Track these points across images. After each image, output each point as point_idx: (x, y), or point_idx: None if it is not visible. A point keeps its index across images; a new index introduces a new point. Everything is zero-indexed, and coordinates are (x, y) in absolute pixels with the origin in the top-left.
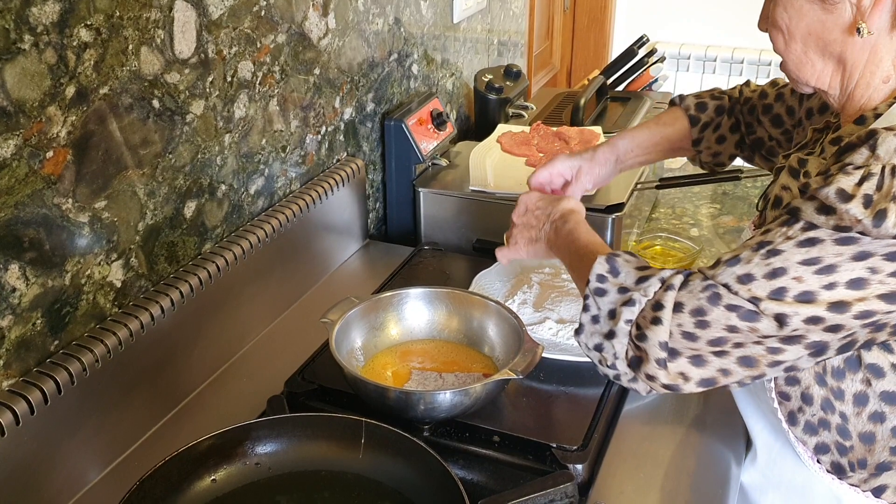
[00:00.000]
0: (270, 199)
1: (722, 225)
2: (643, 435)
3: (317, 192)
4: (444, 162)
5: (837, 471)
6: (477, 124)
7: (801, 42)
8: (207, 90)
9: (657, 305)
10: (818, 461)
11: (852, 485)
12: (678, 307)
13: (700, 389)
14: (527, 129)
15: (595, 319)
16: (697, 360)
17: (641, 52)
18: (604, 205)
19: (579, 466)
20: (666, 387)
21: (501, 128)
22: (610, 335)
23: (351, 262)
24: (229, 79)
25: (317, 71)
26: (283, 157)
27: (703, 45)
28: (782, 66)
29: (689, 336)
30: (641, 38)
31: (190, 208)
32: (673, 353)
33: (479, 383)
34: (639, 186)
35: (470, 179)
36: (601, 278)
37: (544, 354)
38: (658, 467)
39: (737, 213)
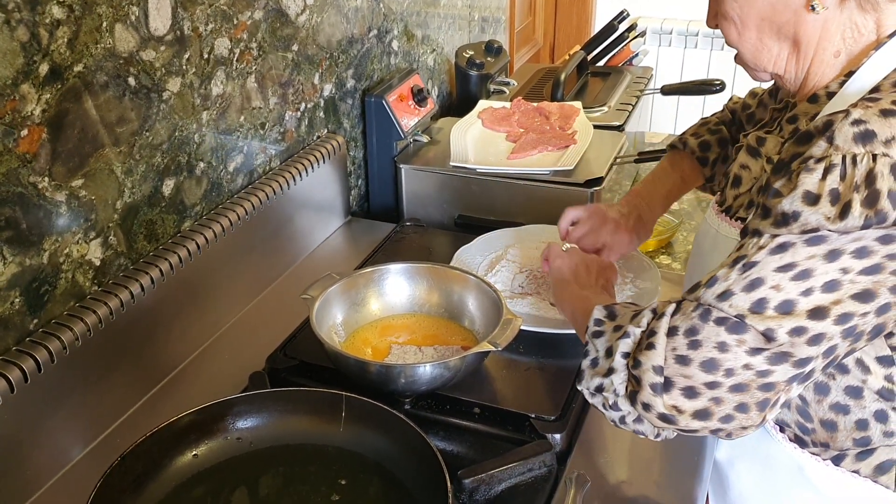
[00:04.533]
0: (250, 176)
1: (702, 198)
2: None
3: (297, 168)
4: (425, 138)
5: (799, 442)
6: (458, 100)
7: (756, 29)
8: (184, 67)
9: (651, 333)
10: (781, 430)
11: (813, 454)
12: (673, 331)
13: (696, 423)
14: (508, 104)
15: (594, 362)
16: (690, 392)
17: (622, 27)
18: (583, 179)
19: (557, 436)
20: (662, 417)
21: (482, 104)
22: (608, 372)
23: (333, 238)
24: (206, 56)
25: (295, 47)
26: (262, 134)
27: (685, 20)
28: (737, 58)
29: (681, 360)
30: (622, 13)
31: (168, 186)
32: (667, 384)
33: (458, 356)
34: (618, 160)
35: (451, 155)
36: (598, 322)
37: (523, 327)
38: (635, 437)
39: (717, 186)
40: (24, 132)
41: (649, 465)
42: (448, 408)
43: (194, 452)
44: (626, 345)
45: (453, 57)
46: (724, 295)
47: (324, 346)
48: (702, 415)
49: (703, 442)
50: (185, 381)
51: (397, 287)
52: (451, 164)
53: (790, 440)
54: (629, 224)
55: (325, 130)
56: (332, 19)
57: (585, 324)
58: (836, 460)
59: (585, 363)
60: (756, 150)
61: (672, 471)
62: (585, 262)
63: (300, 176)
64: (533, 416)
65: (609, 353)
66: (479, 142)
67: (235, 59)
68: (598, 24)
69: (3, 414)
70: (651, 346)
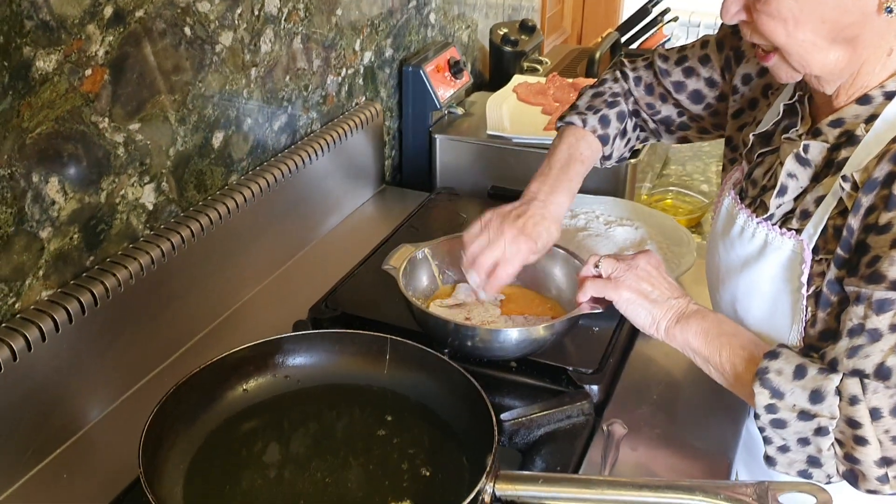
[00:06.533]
0: (293, 136)
1: None
2: (658, 364)
3: (337, 133)
4: (459, 110)
5: None
6: (491, 77)
7: (811, 31)
8: (236, 22)
9: (852, 423)
10: None
11: None
12: (875, 414)
13: None
14: (542, 80)
15: (785, 449)
16: None
17: (655, 11)
18: None
19: (595, 387)
20: (888, 494)
21: (517, 78)
22: (814, 462)
23: (367, 205)
24: (256, 12)
25: (339, 12)
26: (306, 95)
27: (713, 14)
28: (772, 56)
29: None
30: None
31: (218, 139)
32: (886, 462)
33: (557, 320)
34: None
35: (487, 124)
36: (770, 408)
37: None
38: (672, 393)
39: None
40: (88, 72)
41: (686, 416)
42: (485, 361)
43: (244, 387)
44: (827, 440)
45: (487, 35)
46: None
47: (411, 308)
48: None
49: (743, 406)
50: (231, 327)
51: None
52: (488, 132)
53: None
54: (528, 227)
55: (364, 98)
56: None
57: (744, 389)
58: None
59: (772, 450)
60: (805, 160)
61: (709, 424)
62: (640, 274)
63: (340, 140)
64: (570, 369)
65: (804, 442)
66: (514, 114)
67: (284, 18)
68: (626, 14)
69: (61, 343)
70: (861, 441)
